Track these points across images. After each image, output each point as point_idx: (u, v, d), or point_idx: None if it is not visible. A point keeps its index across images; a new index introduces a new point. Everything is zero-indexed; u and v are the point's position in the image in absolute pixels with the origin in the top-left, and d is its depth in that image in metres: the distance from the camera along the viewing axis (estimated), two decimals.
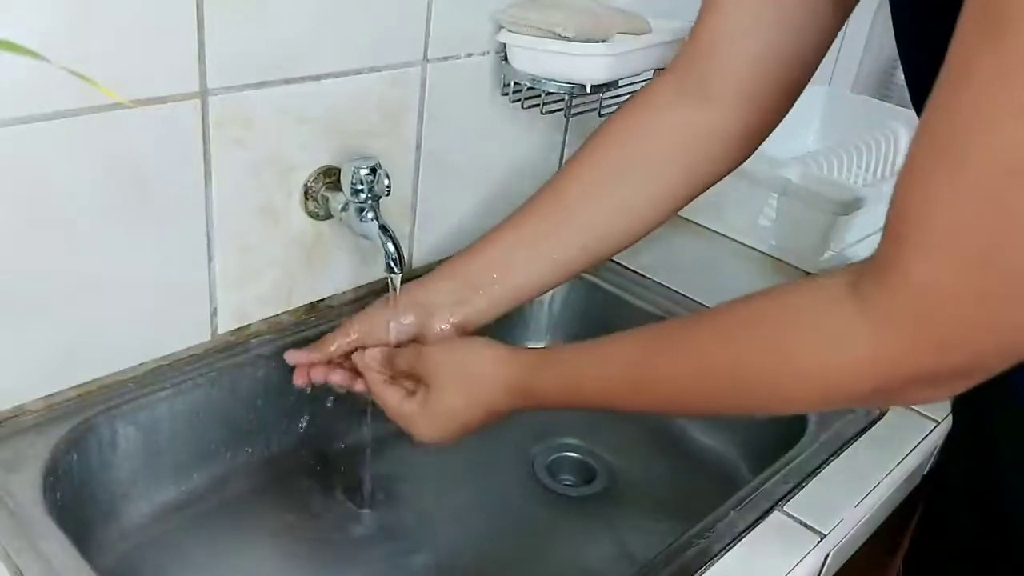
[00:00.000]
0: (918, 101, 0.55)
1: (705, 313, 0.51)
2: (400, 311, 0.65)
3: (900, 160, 1.21)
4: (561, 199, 0.66)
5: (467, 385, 0.59)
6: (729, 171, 0.65)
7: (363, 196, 0.69)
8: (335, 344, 0.66)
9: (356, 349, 0.65)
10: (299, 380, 0.66)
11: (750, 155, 0.65)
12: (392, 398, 0.61)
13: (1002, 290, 0.37)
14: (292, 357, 0.67)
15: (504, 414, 0.59)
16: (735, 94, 0.61)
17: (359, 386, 0.65)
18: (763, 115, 0.62)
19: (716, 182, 0.66)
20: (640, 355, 0.53)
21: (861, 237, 1.03)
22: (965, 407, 0.74)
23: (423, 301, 0.66)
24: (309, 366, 0.66)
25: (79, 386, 0.66)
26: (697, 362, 0.50)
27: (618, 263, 0.92)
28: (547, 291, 0.69)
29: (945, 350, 0.40)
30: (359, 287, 0.82)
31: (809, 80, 0.62)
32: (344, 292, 0.82)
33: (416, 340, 0.65)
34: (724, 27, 0.60)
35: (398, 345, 0.64)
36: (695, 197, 0.66)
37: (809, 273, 0.98)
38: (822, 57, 0.61)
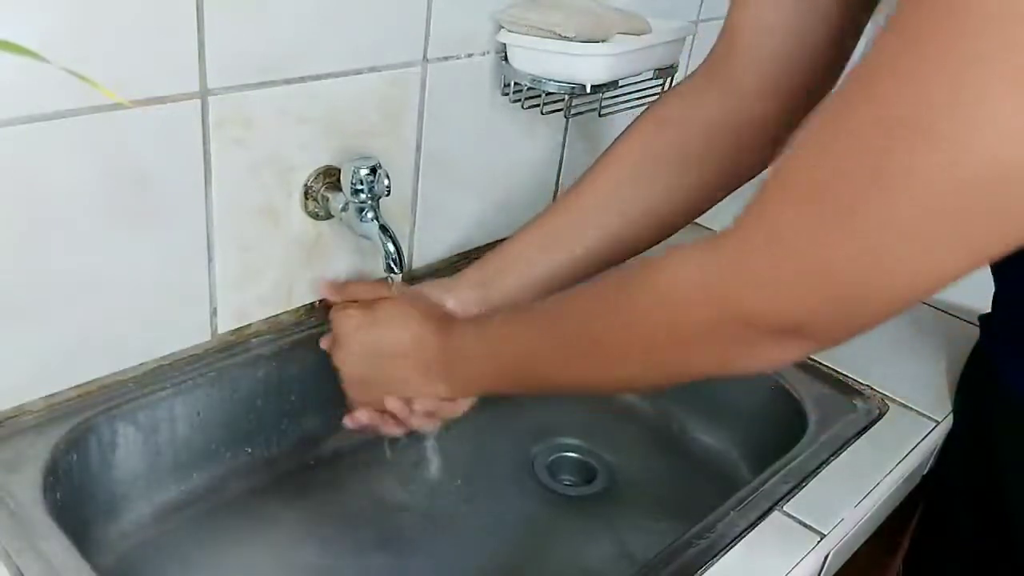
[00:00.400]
0: None
1: (596, 281, 0.54)
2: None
3: None
4: (591, 195, 0.66)
5: (403, 321, 0.63)
6: (760, 170, 0.64)
7: (363, 196, 0.69)
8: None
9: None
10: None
11: (774, 154, 0.64)
12: (343, 323, 0.65)
13: (852, 246, 0.36)
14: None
15: (433, 374, 0.61)
16: (763, 95, 0.61)
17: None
18: (790, 115, 0.61)
19: (755, 175, 0.65)
20: (545, 321, 0.55)
21: None
22: (965, 406, 0.75)
23: (448, 304, 0.67)
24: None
25: (79, 386, 0.66)
26: (573, 326, 0.52)
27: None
28: (575, 283, 0.69)
29: (773, 296, 0.39)
30: None
31: (837, 78, 0.61)
32: None
33: None
34: (756, 21, 0.60)
35: None
36: (732, 190, 0.65)
37: None
38: (849, 56, 0.60)
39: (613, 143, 0.67)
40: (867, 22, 0.59)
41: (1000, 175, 0.33)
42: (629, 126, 0.66)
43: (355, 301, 0.67)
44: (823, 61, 0.60)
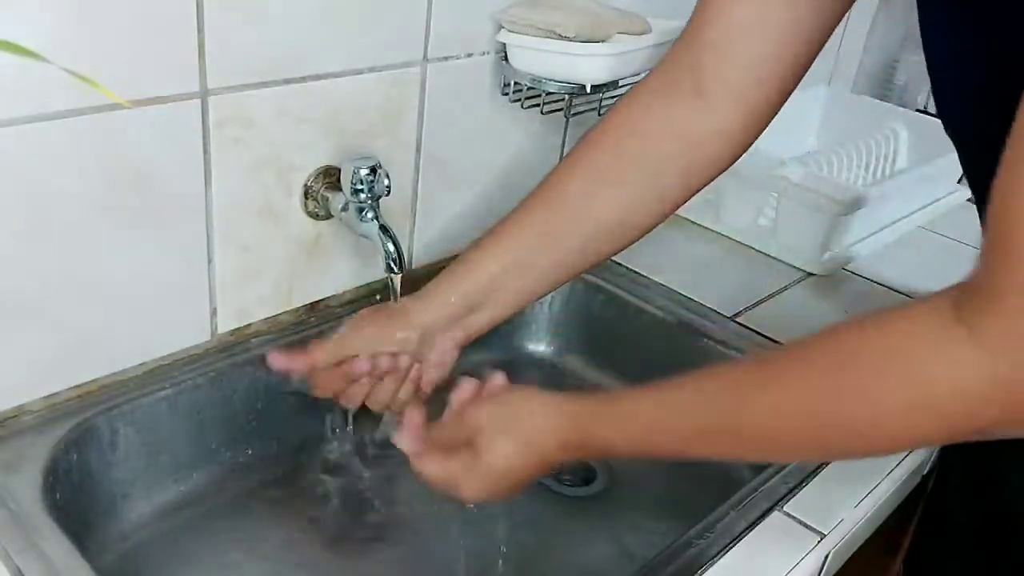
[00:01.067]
0: (940, 93, 0.54)
1: (792, 351, 0.47)
2: (399, 326, 0.64)
3: (900, 160, 1.21)
4: (558, 204, 0.65)
5: (520, 439, 0.55)
6: (723, 170, 0.65)
7: (363, 196, 0.70)
8: (325, 354, 0.64)
9: (344, 361, 0.64)
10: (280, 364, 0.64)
11: (743, 153, 0.65)
12: (433, 467, 0.58)
13: None
14: (276, 360, 0.65)
15: (557, 464, 0.56)
16: (732, 93, 0.61)
17: (345, 399, 0.65)
18: (759, 114, 0.62)
19: (711, 181, 0.66)
20: (724, 403, 0.48)
21: (861, 237, 1.03)
22: None
23: (424, 321, 0.65)
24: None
25: (79, 386, 0.66)
26: (795, 407, 0.45)
27: (618, 263, 0.92)
28: (548, 294, 0.69)
29: None
30: (359, 287, 0.83)
31: (802, 78, 0.62)
32: (344, 292, 0.82)
33: (416, 358, 0.65)
34: (720, 27, 0.60)
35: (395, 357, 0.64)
36: (691, 196, 0.66)
37: (811, 273, 0.98)
38: (816, 53, 0.61)
39: (577, 148, 0.66)
40: (838, 21, 0.59)
41: None
42: (596, 127, 0.66)
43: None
44: (790, 61, 0.60)
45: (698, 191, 0.66)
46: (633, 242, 0.67)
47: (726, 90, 0.61)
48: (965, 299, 0.40)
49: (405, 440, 0.58)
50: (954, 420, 0.41)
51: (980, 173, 0.53)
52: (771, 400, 0.46)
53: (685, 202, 0.66)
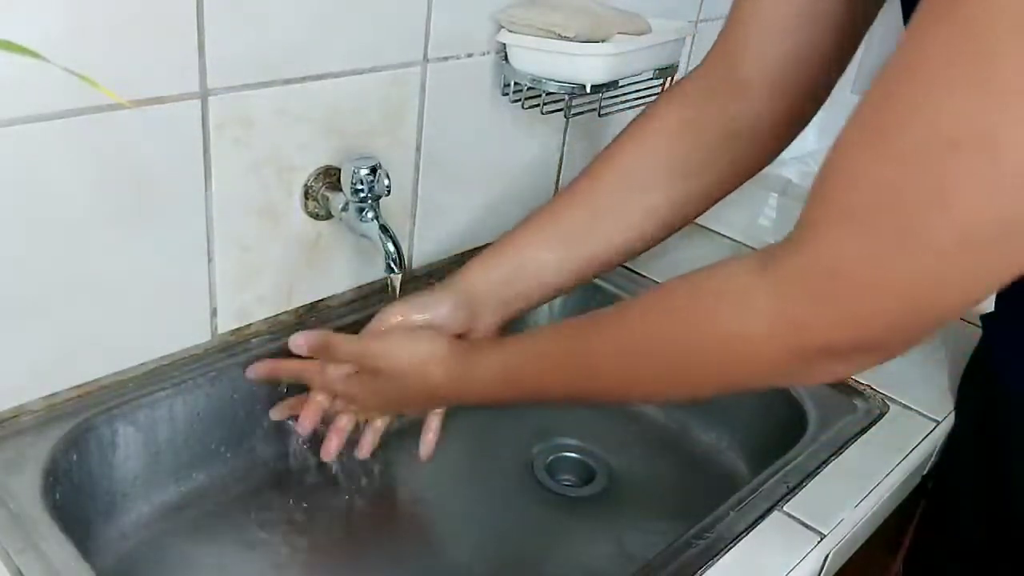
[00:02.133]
0: None
1: (635, 300, 0.52)
2: (447, 304, 0.66)
3: None
4: (593, 200, 0.66)
5: (413, 358, 0.62)
6: (760, 168, 0.65)
7: (363, 196, 0.69)
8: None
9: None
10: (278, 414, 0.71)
11: (781, 152, 0.65)
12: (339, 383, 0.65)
13: (916, 266, 0.37)
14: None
15: (440, 399, 0.64)
16: (768, 92, 0.61)
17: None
18: (794, 112, 0.62)
19: (747, 179, 0.65)
20: (572, 341, 0.54)
21: None
22: (967, 406, 0.75)
23: (473, 299, 0.66)
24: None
25: (79, 386, 0.66)
26: (619, 342, 0.51)
27: (625, 266, 0.92)
28: (578, 286, 0.69)
29: (848, 322, 0.40)
30: (359, 287, 0.83)
31: (839, 76, 0.62)
32: (344, 292, 0.82)
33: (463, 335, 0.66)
34: (757, 26, 0.60)
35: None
36: (727, 194, 0.66)
37: None
38: (853, 53, 0.60)
39: (612, 144, 0.66)
40: (874, 17, 0.59)
41: None
42: (628, 127, 0.66)
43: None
44: (830, 58, 0.60)
45: (735, 189, 0.66)
46: (668, 236, 0.67)
47: (761, 88, 0.61)
48: (774, 247, 0.42)
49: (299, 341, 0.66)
50: (743, 360, 0.44)
51: None
52: (603, 341, 0.52)
53: (721, 199, 0.66)
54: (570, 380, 0.55)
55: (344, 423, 0.68)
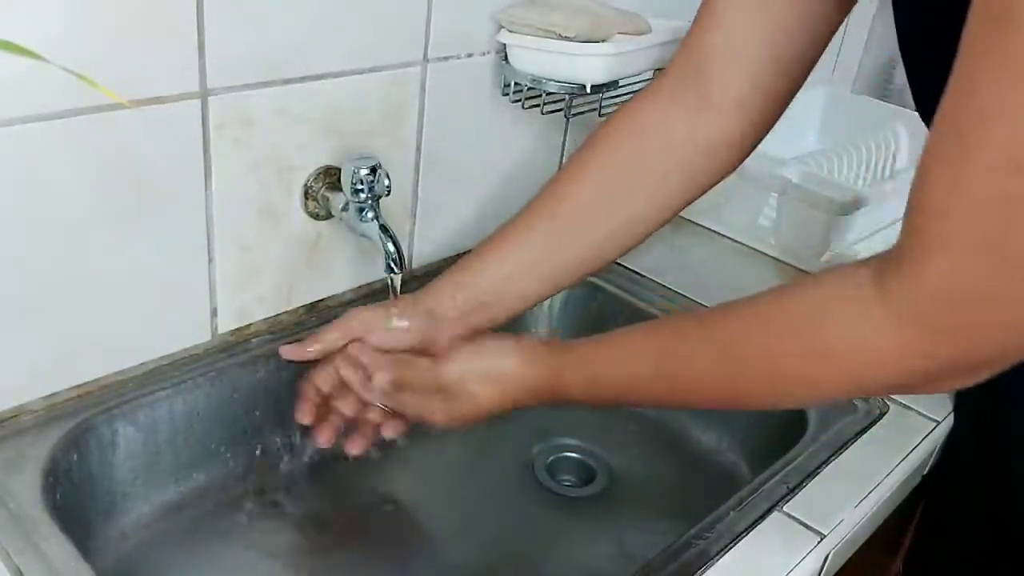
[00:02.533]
0: (920, 99, 0.55)
1: (730, 305, 0.51)
2: (404, 315, 0.65)
3: (900, 160, 1.21)
4: (564, 209, 0.66)
5: (495, 389, 0.60)
6: (727, 174, 0.66)
7: (363, 196, 0.70)
8: (333, 337, 0.65)
9: (350, 343, 0.65)
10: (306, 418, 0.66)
11: (747, 157, 0.66)
12: (411, 402, 0.63)
13: (1015, 283, 0.38)
14: (288, 352, 0.67)
15: (526, 406, 0.61)
16: (733, 102, 0.62)
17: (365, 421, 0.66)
18: (760, 120, 0.63)
19: (716, 184, 0.67)
20: (667, 345, 0.54)
21: (861, 237, 1.02)
22: (966, 406, 0.75)
23: (429, 305, 0.66)
24: (318, 404, 0.66)
25: (79, 386, 0.66)
26: (727, 351, 0.50)
27: (618, 263, 0.92)
28: (553, 295, 0.71)
29: (965, 342, 0.41)
30: (359, 287, 0.83)
31: (802, 84, 0.62)
32: (344, 292, 0.82)
33: (419, 349, 0.65)
34: (721, 37, 0.60)
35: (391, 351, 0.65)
36: (696, 199, 0.67)
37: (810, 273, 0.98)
38: (816, 60, 0.61)
39: (581, 152, 0.67)
40: (837, 28, 0.60)
41: None
42: (599, 131, 0.66)
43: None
44: (790, 73, 0.61)
45: (703, 194, 0.67)
46: (636, 246, 0.68)
47: (727, 95, 0.61)
48: (884, 267, 0.42)
49: (379, 375, 0.62)
50: (852, 375, 0.45)
51: None
52: (705, 347, 0.51)
53: (689, 204, 0.67)
54: (667, 387, 0.54)
55: (375, 416, 0.66)
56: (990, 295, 0.39)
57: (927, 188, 0.40)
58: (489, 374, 0.60)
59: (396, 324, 0.65)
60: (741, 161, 0.66)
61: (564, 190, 0.67)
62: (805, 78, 0.62)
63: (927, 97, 0.49)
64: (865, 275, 0.44)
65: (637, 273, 0.92)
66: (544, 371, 0.59)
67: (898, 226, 1.09)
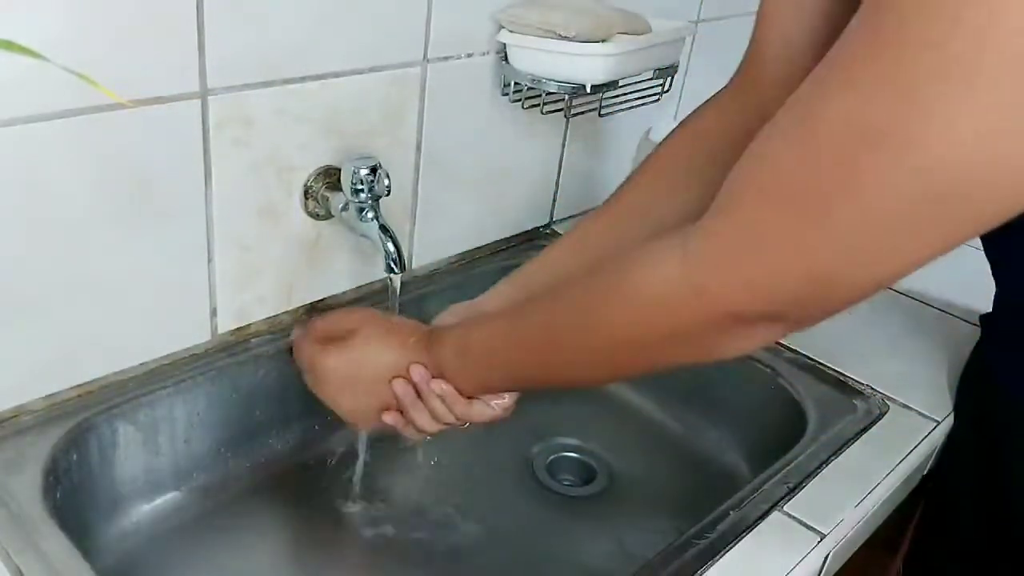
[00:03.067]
0: None
1: (576, 276, 0.53)
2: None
3: None
4: (634, 200, 0.67)
5: (382, 338, 0.62)
6: None
7: (363, 196, 0.70)
8: None
9: None
10: None
11: None
12: (306, 351, 0.65)
13: (822, 245, 0.39)
14: None
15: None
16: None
17: None
18: None
19: None
20: (524, 315, 0.56)
21: None
22: (966, 406, 0.75)
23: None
24: None
25: (79, 386, 0.66)
26: (553, 313, 0.53)
27: None
28: None
29: (751, 290, 0.42)
30: (359, 287, 0.83)
31: None
32: (344, 292, 0.82)
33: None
34: (781, 36, 0.60)
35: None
36: None
37: None
38: None
39: (654, 152, 0.68)
40: None
41: (966, 178, 0.35)
42: (668, 136, 0.67)
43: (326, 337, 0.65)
44: None
45: None
46: None
47: (785, 96, 0.61)
48: (690, 226, 0.44)
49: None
50: (658, 326, 0.46)
51: None
52: (544, 314, 0.54)
53: None
54: (526, 356, 0.56)
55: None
56: (786, 243, 0.39)
57: (761, 147, 0.41)
58: (381, 329, 0.63)
59: None
60: None
61: (627, 187, 0.68)
62: None
63: None
64: (679, 228, 0.45)
65: None
66: (426, 330, 0.62)
67: None
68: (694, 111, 0.67)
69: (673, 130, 0.67)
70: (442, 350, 0.59)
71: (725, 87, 0.65)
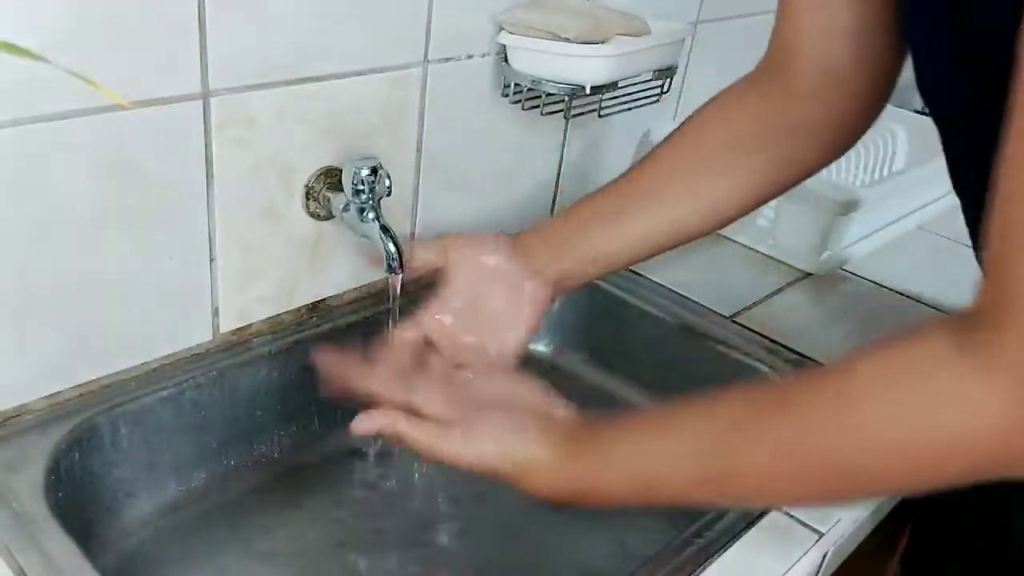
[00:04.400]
0: (931, 102, 0.54)
1: (789, 388, 0.45)
2: (498, 252, 0.65)
3: (898, 160, 1.21)
4: (647, 181, 0.66)
5: (517, 467, 0.51)
6: (820, 167, 0.65)
7: (364, 196, 0.70)
8: (429, 256, 0.67)
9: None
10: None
11: (843, 152, 0.65)
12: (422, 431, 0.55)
13: None
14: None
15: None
16: (813, 93, 0.61)
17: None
18: (842, 117, 0.62)
19: (805, 177, 0.66)
20: (718, 445, 0.46)
21: (860, 237, 1.03)
22: None
23: (527, 264, 0.65)
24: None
25: (81, 385, 0.66)
26: (793, 449, 0.43)
27: None
28: (636, 263, 0.69)
29: None
30: (360, 287, 0.83)
31: (893, 84, 0.61)
32: (345, 292, 0.82)
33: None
34: (794, 32, 0.60)
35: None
36: (783, 190, 0.66)
37: (809, 274, 0.98)
38: (898, 63, 0.60)
39: (672, 134, 0.67)
40: None
41: None
42: (687, 120, 0.67)
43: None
44: (871, 73, 0.60)
45: (791, 185, 0.66)
46: (723, 226, 0.67)
47: (807, 89, 0.61)
48: (968, 328, 0.38)
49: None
50: (959, 458, 0.39)
51: (959, 156, 0.53)
52: (763, 444, 0.44)
53: (777, 194, 0.66)
54: (720, 492, 0.47)
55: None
56: None
57: (1013, 244, 0.36)
58: (512, 449, 0.52)
59: (486, 260, 0.64)
60: (838, 152, 0.65)
61: (649, 165, 0.66)
62: (891, 77, 0.60)
63: (928, 66, 0.48)
64: (943, 338, 0.39)
65: (636, 273, 0.93)
66: (576, 474, 0.50)
67: (897, 226, 1.10)
68: (726, 91, 0.66)
69: (695, 112, 0.67)
70: (609, 489, 0.50)
71: (756, 69, 0.65)
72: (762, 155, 0.64)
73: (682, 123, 0.67)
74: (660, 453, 0.48)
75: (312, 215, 0.74)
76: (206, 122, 0.64)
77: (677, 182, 0.65)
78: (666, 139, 0.67)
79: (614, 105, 0.88)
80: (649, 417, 0.51)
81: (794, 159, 0.64)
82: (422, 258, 0.66)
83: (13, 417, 0.63)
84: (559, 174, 0.97)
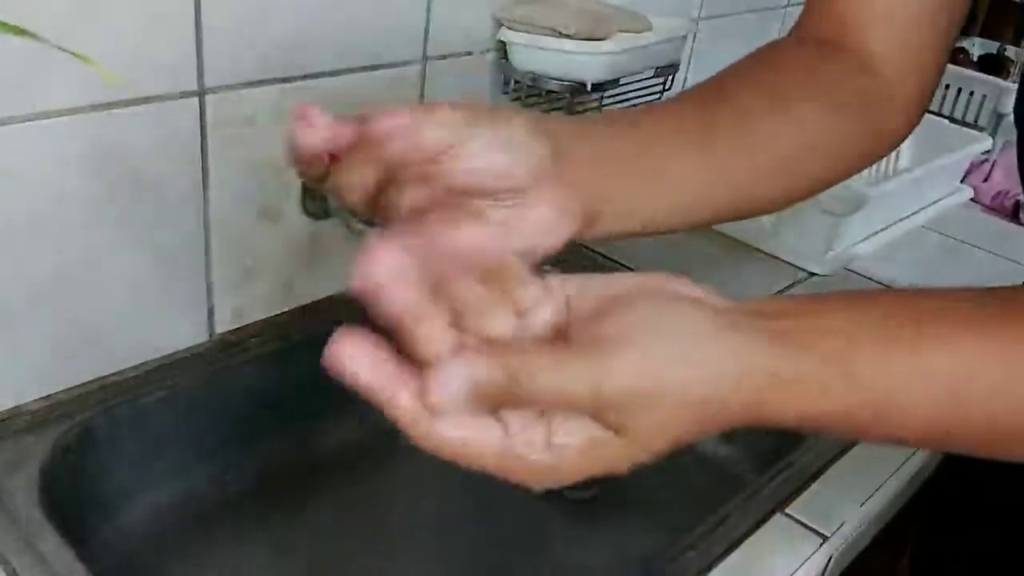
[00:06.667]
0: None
1: None
2: (511, 146, 0.39)
3: (900, 160, 1.21)
4: (735, 115, 0.53)
5: (684, 415, 0.34)
6: (898, 142, 0.58)
7: None
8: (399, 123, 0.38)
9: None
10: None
11: (915, 123, 0.57)
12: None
13: None
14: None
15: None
16: (900, 54, 0.54)
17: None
18: (926, 75, 0.56)
19: (887, 152, 0.58)
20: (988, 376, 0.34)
21: (862, 237, 1.02)
22: None
23: (556, 159, 0.41)
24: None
25: (77, 386, 0.66)
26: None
27: (619, 263, 0.92)
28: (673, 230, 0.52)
29: None
30: None
31: (952, 45, 0.55)
32: (343, 292, 0.81)
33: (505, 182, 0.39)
34: (877, 6, 0.53)
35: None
36: (864, 166, 0.58)
37: (813, 273, 0.97)
38: (959, 21, 0.55)
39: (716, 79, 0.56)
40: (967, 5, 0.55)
41: None
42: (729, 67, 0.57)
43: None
44: (935, 33, 0.54)
45: (872, 160, 0.58)
46: (787, 206, 0.56)
47: (891, 47, 0.54)
48: None
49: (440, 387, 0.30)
50: None
51: None
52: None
53: (858, 170, 0.58)
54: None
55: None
56: None
57: None
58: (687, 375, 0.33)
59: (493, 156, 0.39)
60: (911, 123, 0.57)
61: (734, 97, 0.54)
62: (951, 33, 0.55)
63: None
64: None
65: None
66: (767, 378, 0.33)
67: (902, 225, 1.09)
68: (781, 43, 0.57)
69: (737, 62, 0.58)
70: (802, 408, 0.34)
71: (803, 25, 0.57)
72: (856, 121, 0.54)
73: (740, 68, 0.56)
74: (896, 374, 0.34)
75: (309, 214, 0.74)
76: (202, 120, 0.64)
77: (777, 129, 0.51)
78: (736, 74, 0.56)
79: (615, 103, 0.87)
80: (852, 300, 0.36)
81: (883, 132, 0.56)
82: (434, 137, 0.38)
83: (9, 418, 0.63)
84: None
